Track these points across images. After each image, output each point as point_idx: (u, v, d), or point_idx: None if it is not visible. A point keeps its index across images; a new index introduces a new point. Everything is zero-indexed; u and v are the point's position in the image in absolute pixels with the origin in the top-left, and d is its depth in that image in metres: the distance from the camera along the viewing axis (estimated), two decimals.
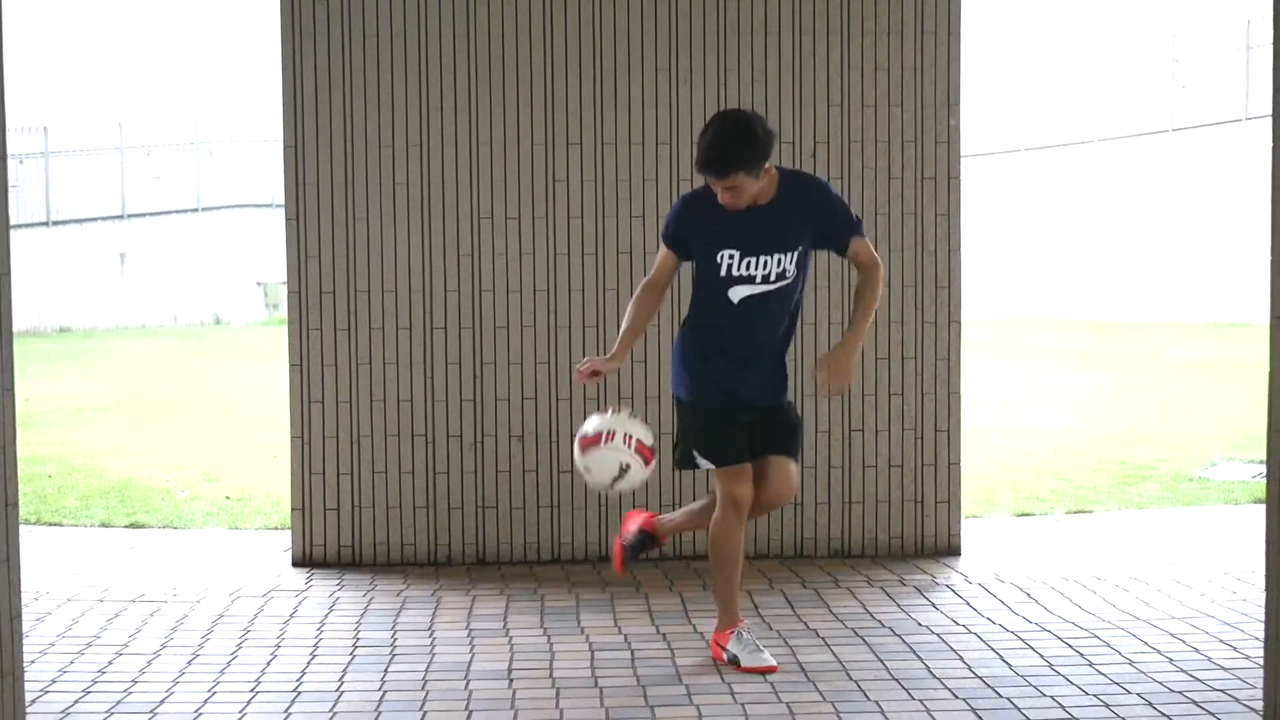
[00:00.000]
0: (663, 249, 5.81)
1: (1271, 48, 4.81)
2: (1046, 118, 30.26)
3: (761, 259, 5.60)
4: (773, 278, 5.62)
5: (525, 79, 7.42)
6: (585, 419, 5.88)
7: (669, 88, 7.43)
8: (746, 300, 5.64)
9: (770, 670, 5.61)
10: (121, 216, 29.72)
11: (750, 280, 5.62)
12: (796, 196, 5.64)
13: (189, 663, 5.84)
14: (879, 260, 5.80)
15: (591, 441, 5.67)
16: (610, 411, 5.79)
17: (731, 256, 5.60)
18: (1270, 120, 4.80)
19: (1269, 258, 4.80)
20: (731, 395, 5.72)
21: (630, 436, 5.66)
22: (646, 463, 5.68)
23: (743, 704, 5.26)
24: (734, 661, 5.67)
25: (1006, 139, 30.93)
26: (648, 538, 6.20)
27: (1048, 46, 34.85)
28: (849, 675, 5.58)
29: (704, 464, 5.73)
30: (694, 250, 5.71)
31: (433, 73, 7.40)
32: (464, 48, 7.40)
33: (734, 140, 5.45)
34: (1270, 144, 4.79)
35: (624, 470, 5.66)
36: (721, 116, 5.62)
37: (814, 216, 5.65)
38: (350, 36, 7.37)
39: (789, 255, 5.61)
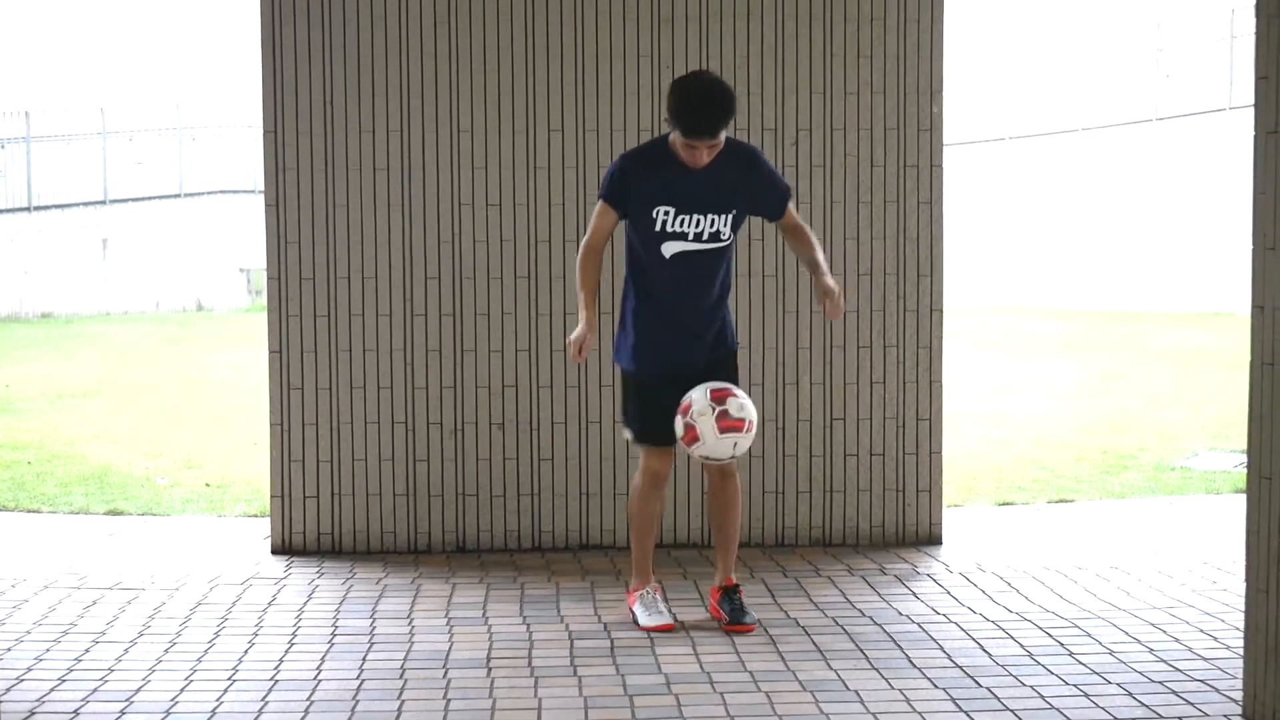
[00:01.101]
0: (601, 207, 6.01)
1: (1255, 37, 4.79)
2: (1030, 106, 30.26)
3: (695, 217, 5.87)
4: (705, 236, 5.89)
5: (506, 64, 7.39)
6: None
7: (650, 74, 7.40)
8: (677, 256, 5.90)
9: (666, 629, 5.98)
10: (104, 202, 29.60)
11: (683, 237, 5.89)
12: (735, 162, 5.92)
13: (166, 650, 5.81)
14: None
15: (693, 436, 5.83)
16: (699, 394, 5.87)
17: (666, 213, 5.87)
18: (1253, 110, 4.78)
19: (1251, 247, 4.79)
20: (670, 363, 5.98)
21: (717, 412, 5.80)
22: (740, 430, 5.81)
23: (721, 693, 5.24)
24: (635, 621, 6.07)
25: (990, 127, 30.93)
26: (729, 592, 6.18)
27: (1032, 35, 34.86)
28: (829, 664, 5.57)
29: (628, 434, 6.12)
30: (630, 206, 5.92)
31: (413, 58, 7.36)
32: (445, 33, 7.37)
33: (724, 103, 5.75)
34: (1253, 133, 4.78)
35: (735, 446, 5.83)
36: (699, 83, 5.82)
37: (750, 183, 5.96)
38: (330, 21, 7.33)
39: (723, 217, 5.90)
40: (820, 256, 6.10)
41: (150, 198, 30.35)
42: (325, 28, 7.33)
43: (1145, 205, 27.14)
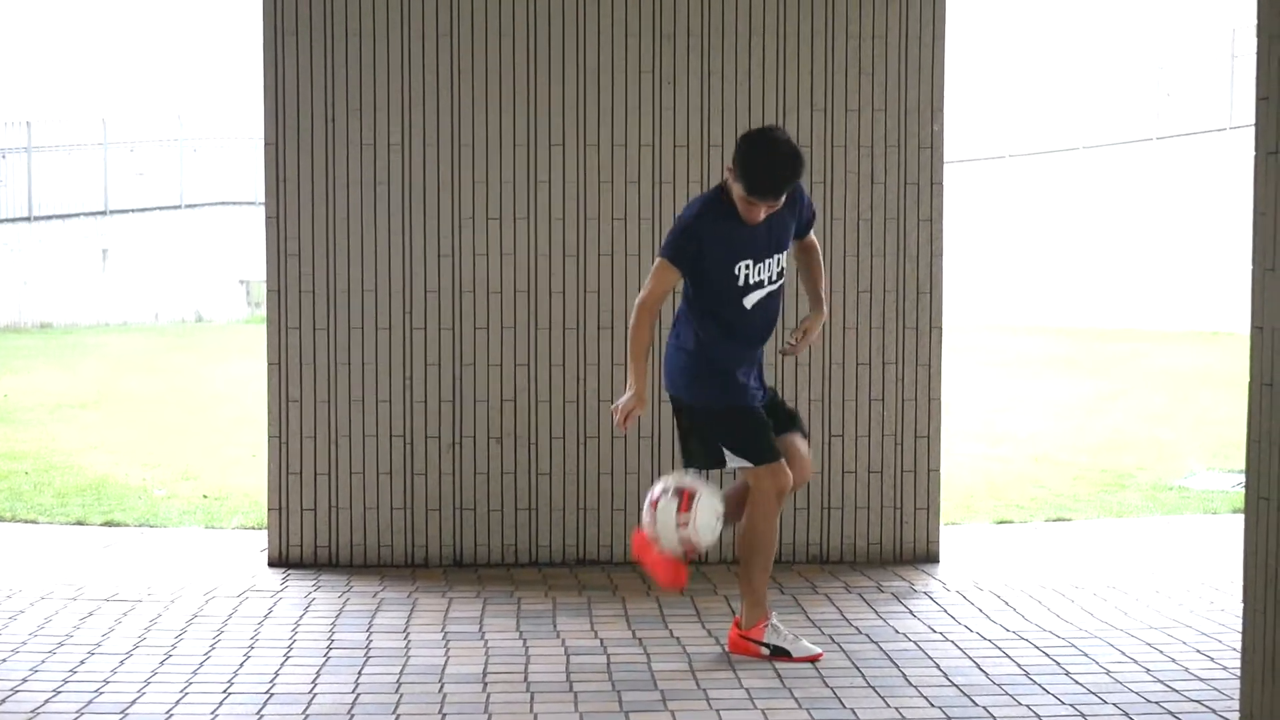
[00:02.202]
0: (665, 267, 5.79)
1: (1256, 57, 4.79)
2: (1031, 124, 30.28)
3: (766, 263, 5.86)
4: (774, 278, 5.91)
5: (507, 79, 7.39)
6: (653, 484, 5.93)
7: (652, 90, 7.40)
8: (757, 304, 5.88)
9: (817, 658, 5.82)
10: (104, 212, 29.61)
11: (761, 285, 5.87)
12: (786, 201, 5.85)
13: (161, 663, 5.80)
14: None
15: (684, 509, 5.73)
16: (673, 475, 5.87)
17: (747, 266, 5.82)
18: (1254, 130, 4.79)
19: (1250, 268, 4.79)
20: (752, 395, 5.92)
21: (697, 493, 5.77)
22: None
23: (718, 710, 5.23)
24: (780, 653, 5.83)
25: (990, 145, 30.95)
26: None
27: (1033, 53, 34.90)
28: (825, 682, 5.56)
29: (736, 462, 5.83)
30: (706, 266, 5.77)
31: (414, 72, 7.37)
32: (446, 47, 7.37)
33: (794, 164, 5.69)
34: (1253, 154, 4.78)
35: (719, 519, 5.79)
36: (770, 141, 5.71)
37: (797, 216, 5.97)
38: (332, 35, 7.34)
39: (783, 255, 5.94)
40: (824, 291, 6.15)
41: (151, 209, 30.36)
42: (327, 41, 7.33)
43: (1145, 224, 27.15)
